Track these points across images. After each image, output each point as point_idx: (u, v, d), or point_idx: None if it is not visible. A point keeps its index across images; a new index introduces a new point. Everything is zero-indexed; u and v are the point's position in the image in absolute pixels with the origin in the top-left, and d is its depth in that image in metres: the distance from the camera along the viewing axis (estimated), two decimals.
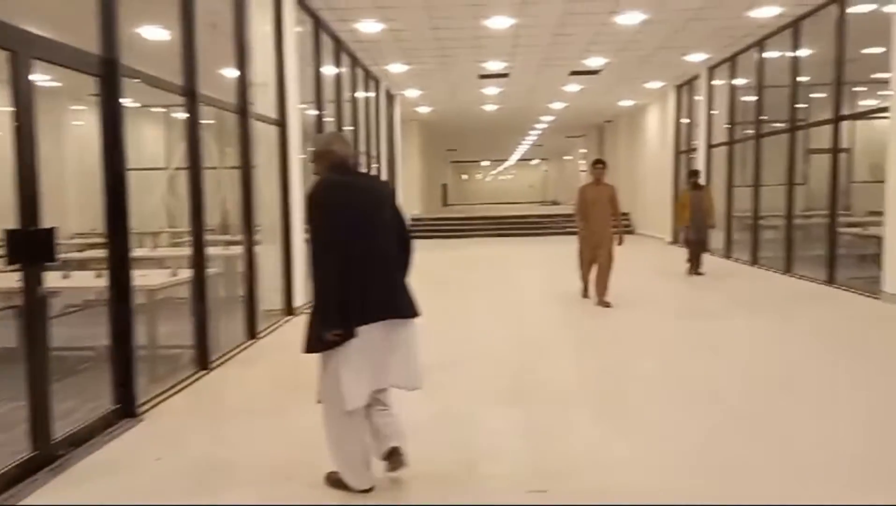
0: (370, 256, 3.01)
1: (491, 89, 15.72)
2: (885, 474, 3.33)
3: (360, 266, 2.96)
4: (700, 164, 14.25)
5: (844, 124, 9.87)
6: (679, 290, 9.60)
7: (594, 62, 12.83)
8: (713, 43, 11.53)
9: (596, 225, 7.98)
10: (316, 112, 9.54)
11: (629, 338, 6.54)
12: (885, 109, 7.96)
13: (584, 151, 31.17)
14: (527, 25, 10.03)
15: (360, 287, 2.95)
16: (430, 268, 13.37)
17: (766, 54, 11.26)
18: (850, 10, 8.81)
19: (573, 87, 15.59)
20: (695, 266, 10.37)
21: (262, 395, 4.83)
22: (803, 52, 10.28)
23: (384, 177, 14.79)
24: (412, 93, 16.06)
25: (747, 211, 12.09)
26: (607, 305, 7.81)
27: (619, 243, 8.07)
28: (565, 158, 41.34)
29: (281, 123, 7.64)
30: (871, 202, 13.15)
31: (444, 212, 27.93)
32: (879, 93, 14.51)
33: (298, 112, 8.16)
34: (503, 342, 6.39)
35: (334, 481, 3.19)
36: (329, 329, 2.89)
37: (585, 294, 8.36)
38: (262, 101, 7.27)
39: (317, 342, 2.95)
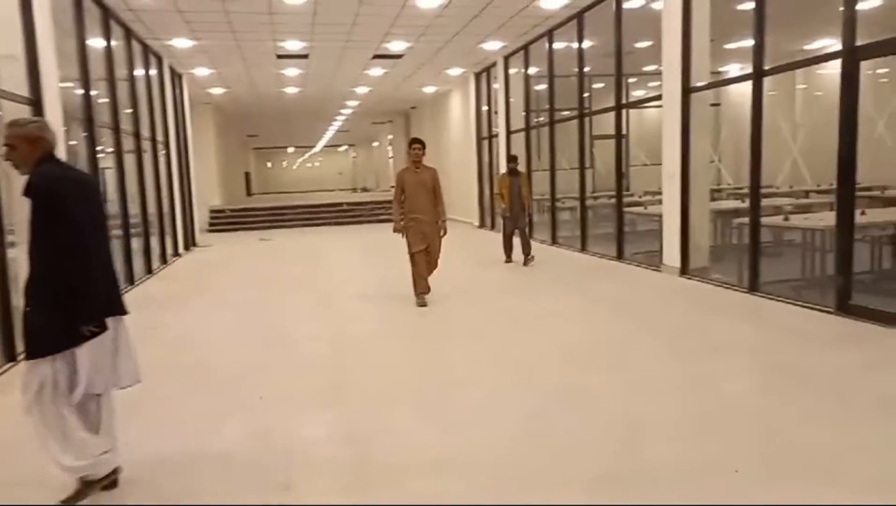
0: (102, 250, 3.06)
1: (291, 70, 14.91)
2: (716, 434, 3.50)
3: (97, 261, 2.96)
4: (501, 150, 14.82)
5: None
6: (495, 276, 9.81)
7: (397, 46, 12.67)
8: (508, 31, 11.92)
9: (420, 213, 7.14)
10: (83, 91, 8.24)
11: (449, 329, 6.46)
12: (659, 98, 8.71)
13: (391, 137, 31.26)
14: (325, 3, 9.52)
15: (101, 281, 2.98)
16: (234, 262, 12.45)
17: (555, 44, 11.89)
18: (626, 4, 9.52)
19: (377, 70, 15.33)
20: (510, 254, 10.14)
21: None
22: (587, 44, 10.99)
23: (175, 165, 13.38)
24: (202, 72, 14.69)
25: (545, 194, 12.78)
26: (427, 292, 7.30)
27: (443, 234, 7.34)
28: (374, 144, 41.24)
29: (35, 102, 6.39)
30: (646, 183, 14.70)
31: (248, 202, 26.34)
32: (649, 84, 16.27)
33: (58, 90, 6.90)
34: (318, 341, 5.96)
35: (81, 488, 3.00)
36: (89, 323, 2.88)
37: (425, 289, 7.31)
38: (12, 76, 6.04)
39: (61, 340, 2.86)
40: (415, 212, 7.15)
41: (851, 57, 5.77)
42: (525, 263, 9.76)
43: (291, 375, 4.97)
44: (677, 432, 3.67)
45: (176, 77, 14.26)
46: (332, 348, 5.72)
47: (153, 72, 12.16)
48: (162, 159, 12.47)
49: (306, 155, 49.75)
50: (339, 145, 47.82)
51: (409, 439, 3.69)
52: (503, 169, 11.74)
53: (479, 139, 16.92)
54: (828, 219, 6.75)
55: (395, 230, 7.35)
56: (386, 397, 4.40)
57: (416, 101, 22.29)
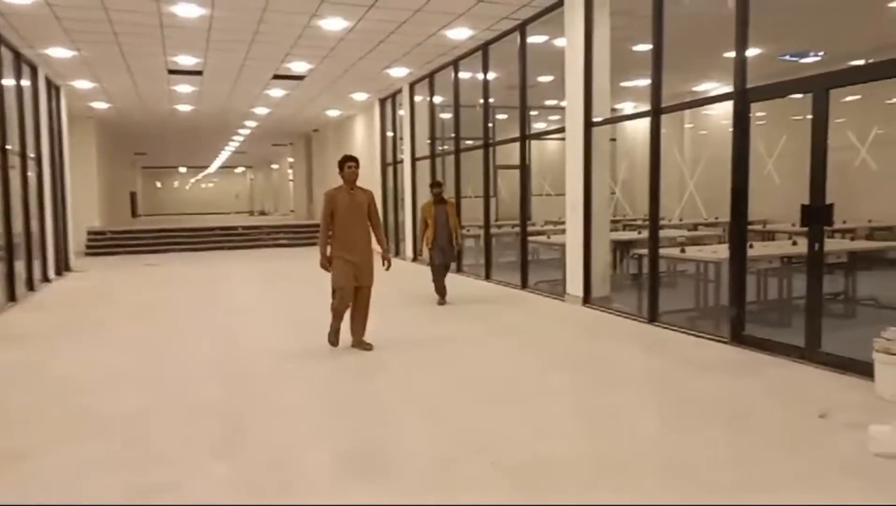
0: None
1: (184, 87, 14.11)
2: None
3: None
4: (406, 177, 14.69)
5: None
6: (423, 314, 9.48)
7: (299, 67, 12.28)
8: (413, 59, 11.86)
9: (353, 244, 6.09)
10: None
11: (373, 382, 6.10)
12: (562, 130, 8.87)
13: (292, 160, 30.45)
14: (222, 18, 9.03)
15: None
16: (112, 290, 11.42)
17: (461, 74, 11.95)
18: (530, 39, 9.70)
19: (277, 91, 14.83)
20: (441, 292, 8.88)
21: None
22: (492, 75, 11.11)
23: (48, 183, 12.20)
24: (83, 84, 13.59)
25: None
26: (368, 347, 6.24)
27: (387, 267, 6.45)
28: (273, 166, 40.06)
29: None
30: (546, 213, 15.03)
31: (133, 224, 24.63)
32: (550, 117, 16.75)
33: None
34: (209, 382, 5.43)
35: None
36: None
37: (336, 340, 6.34)
38: None
39: None
40: (347, 242, 6.06)
41: (743, 98, 6.07)
42: (440, 303, 8.80)
43: (181, 423, 4.46)
44: (581, 470, 3.54)
45: (53, 89, 13.10)
46: (227, 392, 5.23)
47: (25, 83, 11.07)
48: (33, 176, 11.33)
49: (200, 176, 47.56)
50: (236, 167, 46.17)
51: (317, 493, 3.34)
52: (421, 196, 11.34)
53: (384, 165, 16.73)
54: (721, 251, 7.03)
55: (321, 265, 6.17)
56: (286, 443, 4.01)
57: (319, 123, 21.83)
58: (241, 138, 26.06)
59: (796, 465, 3.57)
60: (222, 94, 14.97)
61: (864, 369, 4.82)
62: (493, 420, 4.34)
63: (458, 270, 11.89)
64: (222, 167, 43.85)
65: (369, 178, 17.48)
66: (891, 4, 8.62)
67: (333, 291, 6.19)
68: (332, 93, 15.26)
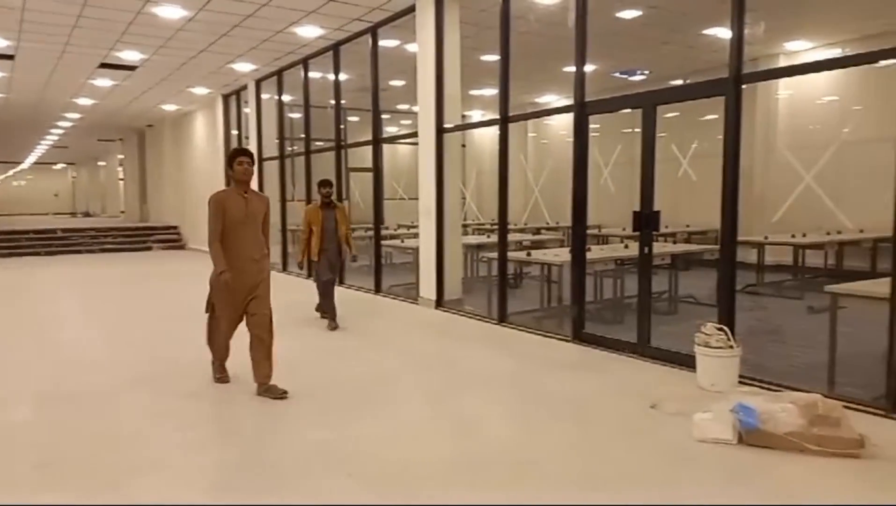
0: None
1: None
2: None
3: None
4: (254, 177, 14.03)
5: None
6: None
7: (130, 56, 11.28)
8: (260, 54, 11.36)
9: (246, 262, 4.89)
10: None
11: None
12: (415, 135, 8.92)
13: (122, 157, 27.98)
14: None
15: None
16: None
17: (311, 73, 11.64)
18: (381, 42, 9.67)
19: (105, 81, 13.51)
20: (331, 313, 7.44)
21: None
22: (344, 76, 10.94)
23: None
24: None
25: (300, 225, 12.32)
26: (282, 394, 4.82)
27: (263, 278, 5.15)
28: (100, 163, 36.54)
29: None
30: (398, 217, 15.12)
31: None
32: (401, 122, 16.86)
33: None
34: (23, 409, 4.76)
35: None
36: None
37: (222, 375, 5.24)
38: None
39: None
40: (238, 252, 4.87)
41: (582, 110, 6.46)
42: (330, 328, 7.32)
43: None
44: (436, 472, 3.55)
45: None
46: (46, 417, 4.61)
47: None
48: None
49: (11, 172, 42.20)
50: (55, 163, 41.58)
51: None
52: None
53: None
54: (563, 254, 7.45)
55: (211, 282, 5.00)
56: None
57: (154, 118, 20.25)
58: (62, 132, 23.44)
59: (633, 455, 3.83)
60: (38, 81, 13.36)
61: (687, 362, 5.31)
62: (349, 428, 4.23)
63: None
64: (38, 163, 39.26)
65: (212, 177, 16.52)
66: (703, 32, 9.64)
67: (211, 317, 5.13)
68: (168, 85, 14.19)
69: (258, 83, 13.51)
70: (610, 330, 6.77)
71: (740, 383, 4.94)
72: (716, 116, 7.19)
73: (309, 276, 7.52)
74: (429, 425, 4.45)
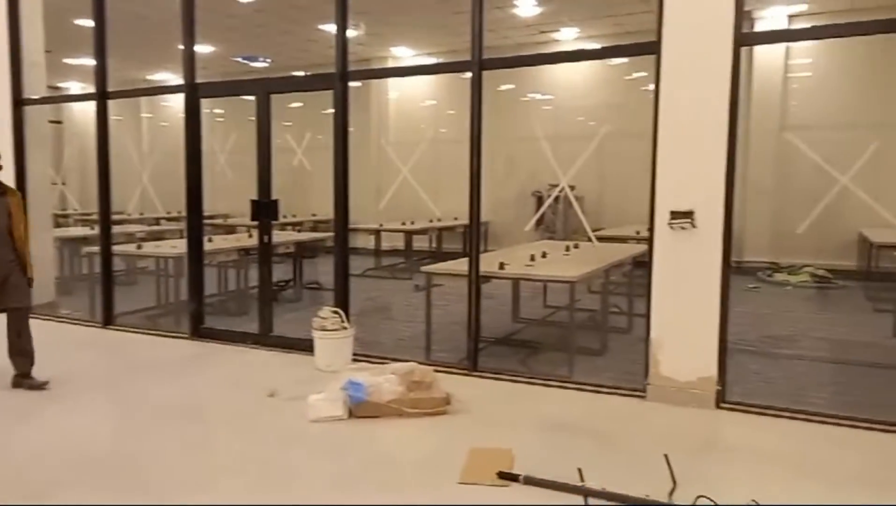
0: None
1: None
2: None
3: None
4: None
5: None
6: None
7: None
8: None
9: None
10: None
11: None
12: None
13: None
14: None
15: None
16: None
17: None
18: None
19: None
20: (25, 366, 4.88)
21: None
22: None
23: None
24: None
25: None
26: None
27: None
28: None
29: None
30: None
31: None
32: None
33: None
34: None
35: None
36: None
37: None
38: None
39: None
40: None
41: (193, 92, 6.05)
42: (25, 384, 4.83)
43: None
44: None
45: None
46: None
47: None
48: None
49: None
50: None
51: None
52: None
53: None
54: (180, 246, 6.92)
55: None
56: None
57: None
58: None
59: (245, 444, 3.76)
60: None
61: (308, 347, 5.42)
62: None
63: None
64: None
65: None
66: (320, 27, 9.97)
67: None
68: None
69: None
70: (233, 323, 6.55)
71: (354, 360, 5.25)
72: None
73: None
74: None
